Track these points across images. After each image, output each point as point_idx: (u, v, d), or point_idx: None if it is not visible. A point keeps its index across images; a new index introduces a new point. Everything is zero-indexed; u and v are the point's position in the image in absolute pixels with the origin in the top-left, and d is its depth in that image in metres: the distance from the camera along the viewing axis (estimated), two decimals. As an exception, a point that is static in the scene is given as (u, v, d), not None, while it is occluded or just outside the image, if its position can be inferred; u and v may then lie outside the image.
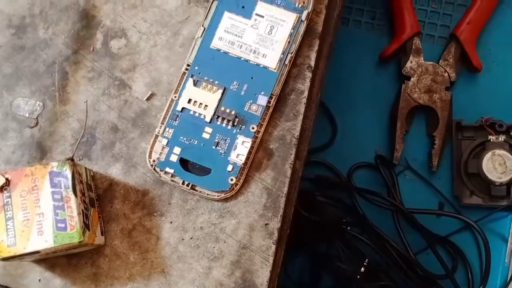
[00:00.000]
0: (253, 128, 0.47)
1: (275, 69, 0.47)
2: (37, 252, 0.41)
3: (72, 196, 0.42)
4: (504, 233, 0.70)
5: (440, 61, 0.72)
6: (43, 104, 0.49)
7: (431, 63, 0.72)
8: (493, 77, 0.74)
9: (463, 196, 0.70)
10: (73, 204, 0.41)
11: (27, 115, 0.49)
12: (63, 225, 0.41)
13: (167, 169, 0.47)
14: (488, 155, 0.68)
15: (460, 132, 0.71)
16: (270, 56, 0.47)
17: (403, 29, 0.72)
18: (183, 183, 0.47)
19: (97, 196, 0.47)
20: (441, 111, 0.71)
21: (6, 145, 0.49)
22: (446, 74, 0.71)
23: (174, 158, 0.47)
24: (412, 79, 0.71)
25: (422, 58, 0.72)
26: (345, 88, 0.74)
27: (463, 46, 0.71)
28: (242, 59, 0.48)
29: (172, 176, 0.47)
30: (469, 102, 0.73)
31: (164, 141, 0.47)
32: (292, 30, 0.48)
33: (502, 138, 0.69)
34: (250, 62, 0.48)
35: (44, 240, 0.41)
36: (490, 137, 0.70)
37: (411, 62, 0.71)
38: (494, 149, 0.68)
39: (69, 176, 0.42)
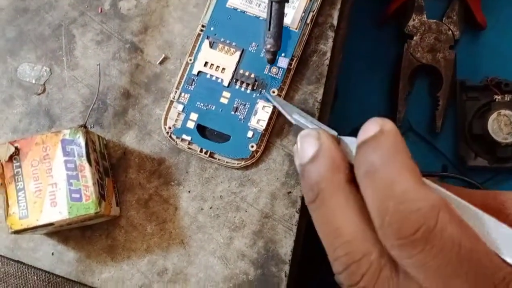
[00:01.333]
0: (273, 92, 0.45)
1: (296, 28, 0.45)
2: (51, 224, 0.39)
3: (87, 165, 0.39)
4: (511, 194, 0.68)
5: (444, 18, 0.69)
6: (50, 69, 0.47)
7: (434, 21, 0.69)
8: (498, 34, 0.71)
9: (468, 158, 0.68)
10: (87, 173, 0.39)
11: (33, 81, 0.47)
12: (77, 196, 0.39)
13: (184, 136, 0.44)
14: (493, 116, 0.66)
15: (464, 92, 0.69)
16: (291, 14, 0.45)
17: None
18: (201, 151, 0.44)
19: (110, 166, 0.45)
20: (445, 71, 0.68)
21: (13, 113, 0.46)
22: (450, 32, 0.69)
23: (191, 124, 0.45)
24: (414, 38, 0.69)
25: (425, 16, 0.69)
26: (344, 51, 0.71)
27: (467, 2, 0.68)
28: (260, 18, 0.45)
29: (189, 143, 0.45)
30: (473, 61, 0.70)
31: (180, 107, 0.45)
32: (314, -13, 0.45)
33: (508, 97, 0.67)
34: (270, 21, 0.45)
35: (58, 211, 0.39)
36: (495, 97, 0.67)
37: (414, 20, 0.69)
38: (499, 109, 0.66)
39: (83, 144, 0.40)
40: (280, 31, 0.42)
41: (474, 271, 0.25)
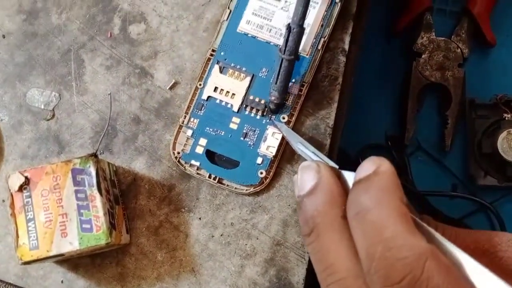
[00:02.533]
0: (284, 118, 0.44)
1: (307, 54, 0.44)
2: (61, 255, 0.38)
3: (97, 195, 0.39)
4: (522, 214, 0.68)
5: (453, 36, 0.69)
6: (59, 94, 0.46)
7: (443, 38, 0.69)
8: (507, 52, 0.70)
9: (477, 177, 0.67)
10: (98, 203, 0.39)
11: (42, 106, 0.46)
12: (88, 226, 0.38)
13: (193, 162, 0.44)
14: (503, 134, 0.65)
15: (473, 110, 0.69)
16: (302, 40, 0.44)
17: (413, 3, 0.68)
18: (209, 177, 0.44)
19: (120, 192, 0.44)
20: (454, 89, 0.68)
21: (22, 138, 0.46)
22: (459, 50, 0.68)
23: (199, 150, 0.44)
24: (423, 56, 0.68)
25: (434, 34, 0.69)
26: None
27: (476, 20, 0.68)
28: (271, 43, 0.45)
29: (197, 169, 0.44)
30: (482, 79, 0.70)
31: (189, 132, 0.44)
32: (325, 13, 0.44)
33: None
34: (280, 47, 0.45)
35: (68, 242, 0.38)
36: (505, 115, 0.67)
37: (422, 38, 0.68)
38: (509, 128, 0.65)
39: (93, 173, 0.39)
40: (286, 86, 0.42)
41: None
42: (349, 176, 0.31)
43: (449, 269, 0.25)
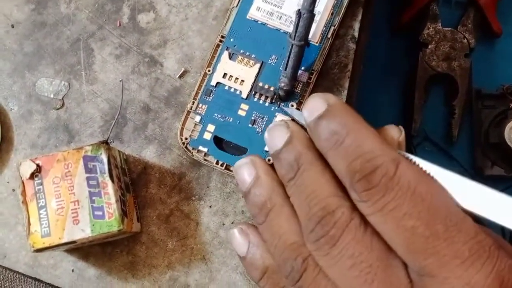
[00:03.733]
0: (292, 106, 0.44)
1: (316, 42, 0.44)
2: (73, 242, 0.38)
3: (109, 182, 0.39)
4: (529, 204, 0.67)
5: (459, 26, 0.68)
6: (69, 84, 0.46)
7: (449, 29, 0.68)
8: (514, 42, 0.70)
9: (484, 167, 0.67)
10: (110, 190, 0.39)
11: (52, 96, 0.46)
12: (100, 213, 0.38)
13: (200, 148, 0.44)
14: (510, 124, 0.65)
15: (480, 100, 0.68)
16: (312, 28, 0.44)
17: (419, -6, 0.68)
18: (217, 163, 0.44)
19: (131, 181, 0.44)
20: (461, 79, 0.67)
21: (31, 128, 0.46)
22: (465, 40, 0.68)
23: (207, 136, 0.44)
24: (429, 46, 0.68)
25: (440, 24, 0.68)
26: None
27: (482, 10, 0.68)
28: (281, 31, 0.45)
29: (205, 155, 0.44)
30: (489, 69, 0.70)
31: (197, 118, 0.44)
32: (335, 1, 0.44)
33: None
34: (290, 34, 0.44)
35: (80, 229, 0.38)
36: (511, 105, 0.67)
37: (428, 28, 0.68)
38: (516, 118, 0.66)
39: (105, 160, 0.39)
40: (295, 72, 0.42)
41: (427, 211, 0.27)
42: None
43: (419, 170, 0.29)
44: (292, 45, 0.41)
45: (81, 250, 0.44)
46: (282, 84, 0.42)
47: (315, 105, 0.31)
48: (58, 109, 0.46)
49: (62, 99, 0.46)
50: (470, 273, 0.26)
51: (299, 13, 0.39)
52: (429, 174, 0.29)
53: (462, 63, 0.68)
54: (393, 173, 0.28)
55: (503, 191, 0.64)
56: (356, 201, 0.29)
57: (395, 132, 0.32)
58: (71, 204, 0.39)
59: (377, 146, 0.29)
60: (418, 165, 0.30)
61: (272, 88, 0.44)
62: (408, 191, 0.28)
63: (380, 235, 0.29)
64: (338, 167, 0.30)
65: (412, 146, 0.68)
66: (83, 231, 0.38)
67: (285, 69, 0.42)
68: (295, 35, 0.40)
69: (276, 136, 0.33)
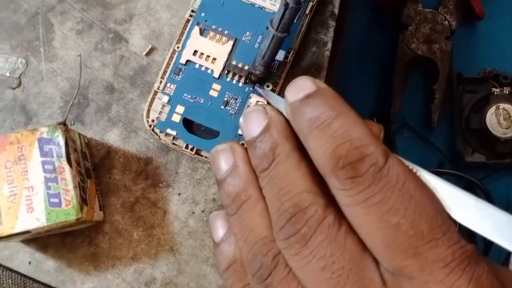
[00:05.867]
0: (268, 86, 0.41)
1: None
2: (28, 232, 0.35)
3: (67, 167, 0.36)
4: (510, 192, 0.66)
5: (440, 8, 0.66)
6: (26, 61, 0.43)
7: (430, 10, 0.66)
8: (496, 25, 0.68)
9: (465, 153, 0.65)
10: (67, 176, 0.35)
11: (7, 74, 0.43)
12: (57, 200, 0.35)
13: (169, 131, 0.41)
14: (491, 109, 0.63)
15: (461, 85, 0.67)
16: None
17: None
18: (186, 147, 0.41)
19: (93, 166, 0.41)
20: (441, 63, 0.65)
21: (-15, 109, 0.42)
22: (446, 22, 0.66)
23: (176, 118, 0.41)
24: (409, 28, 0.66)
25: (420, 5, 0.66)
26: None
27: (464, -9, 0.66)
28: (256, 5, 0.42)
29: (173, 138, 0.41)
30: (470, 53, 0.68)
31: (165, 99, 0.41)
32: (313, -26, 0.41)
33: (506, 90, 0.65)
34: (266, 9, 0.42)
35: (35, 218, 0.35)
36: (493, 89, 0.65)
37: (408, 9, 0.66)
38: (498, 103, 0.64)
39: (62, 143, 0.36)
40: (272, 61, 0.40)
41: (414, 208, 0.25)
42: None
43: (410, 169, 0.27)
44: (274, 35, 0.37)
45: (38, 240, 0.40)
46: (257, 72, 0.40)
47: (304, 84, 0.29)
48: (14, 88, 0.43)
49: (19, 77, 0.43)
50: (451, 278, 0.25)
51: (286, 4, 0.36)
52: (417, 173, 0.27)
53: (443, 46, 0.65)
54: (382, 164, 0.26)
55: (483, 179, 0.63)
56: (335, 188, 0.27)
57: (376, 129, 0.30)
58: (25, 190, 0.35)
59: (367, 134, 0.27)
60: (406, 164, 0.28)
61: (246, 67, 0.41)
62: (396, 185, 0.26)
63: (353, 233, 0.27)
64: (319, 150, 0.28)
65: (390, 132, 0.66)
66: (38, 220, 0.35)
67: (263, 58, 0.39)
68: (278, 26, 0.37)
69: (252, 122, 0.31)
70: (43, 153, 0.36)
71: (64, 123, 0.37)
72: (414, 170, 0.27)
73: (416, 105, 0.68)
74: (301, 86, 0.29)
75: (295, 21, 0.41)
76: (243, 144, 0.32)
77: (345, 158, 0.26)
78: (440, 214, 0.26)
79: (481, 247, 0.61)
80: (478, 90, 0.66)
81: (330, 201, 0.28)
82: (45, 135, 0.36)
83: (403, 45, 0.66)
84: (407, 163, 0.28)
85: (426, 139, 0.67)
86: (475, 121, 0.65)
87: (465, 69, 0.66)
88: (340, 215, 0.27)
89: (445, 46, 0.65)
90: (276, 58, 0.41)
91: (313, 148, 0.28)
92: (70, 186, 0.35)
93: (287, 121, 0.30)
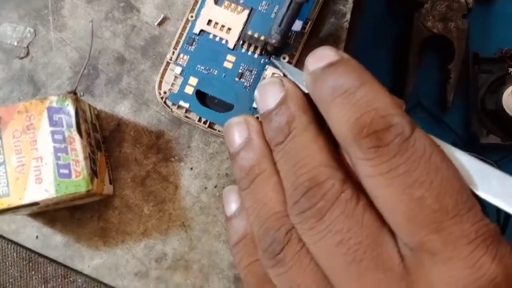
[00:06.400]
0: (284, 58, 0.40)
1: (312, -13, 0.40)
2: (36, 203, 0.34)
3: (77, 137, 0.34)
4: (526, 174, 0.64)
5: None
6: (34, 30, 0.41)
7: None
8: (514, 3, 0.67)
9: (480, 135, 0.64)
10: (78, 146, 0.34)
11: (15, 43, 0.41)
12: (66, 171, 0.34)
13: (181, 103, 0.39)
14: (508, 90, 0.62)
15: (477, 65, 0.65)
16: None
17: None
18: (199, 120, 0.39)
19: (103, 139, 0.40)
20: (458, 41, 0.64)
21: (-8, 79, 0.41)
22: (463, 0, 0.64)
23: (189, 90, 0.40)
24: (425, 6, 0.64)
25: None
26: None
27: (482, -32, 0.64)
28: (273, -26, 0.40)
29: (186, 111, 0.40)
30: (487, 32, 0.66)
31: (178, 70, 0.40)
32: None
33: None
34: (283, -22, 0.40)
35: (44, 189, 0.34)
36: (510, 70, 0.63)
37: None
38: (515, 83, 0.62)
39: (72, 112, 0.35)
40: (289, 30, 0.38)
41: (440, 183, 0.24)
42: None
43: (435, 142, 0.26)
44: (292, 1, 0.36)
45: (46, 214, 0.39)
46: (273, 41, 0.38)
47: (326, 53, 0.28)
48: (22, 58, 0.41)
49: (27, 47, 0.41)
50: (475, 255, 0.24)
51: None
52: (441, 147, 0.26)
53: (459, 24, 0.64)
54: (408, 135, 0.25)
55: (499, 161, 0.62)
56: (356, 158, 0.26)
57: (398, 102, 0.29)
58: (34, 161, 0.34)
59: (392, 104, 0.26)
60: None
61: (262, 38, 0.39)
62: (423, 157, 0.25)
63: (371, 209, 0.26)
64: (342, 119, 0.26)
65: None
66: (47, 191, 0.34)
67: (280, 26, 0.37)
68: None
69: (268, 94, 0.30)
70: (52, 123, 0.34)
71: (74, 92, 0.35)
72: (438, 144, 0.26)
73: (430, 84, 0.66)
74: (323, 55, 0.28)
75: (313, -10, 0.40)
76: (258, 118, 0.31)
77: (370, 127, 0.25)
78: (466, 190, 0.25)
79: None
80: (494, 70, 0.65)
81: (348, 176, 0.27)
82: (54, 104, 0.35)
83: (419, 23, 0.64)
84: (431, 137, 0.27)
85: (440, 119, 0.66)
86: (491, 102, 0.63)
87: (481, 49, 0.65)
88: (358, 190, 0.26)
89: (462, 24, 0.64)
90: (293, 29, 0.39)
91: (335, 117, 0.27)
92: (81, 156, 0.34)
93: (304, 94, 0.30)
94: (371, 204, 0.26)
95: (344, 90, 0.26)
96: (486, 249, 0.24)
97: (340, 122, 0.26)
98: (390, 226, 0.25)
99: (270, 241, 0.28)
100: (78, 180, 0.34)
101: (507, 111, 0.62)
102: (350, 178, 0.27)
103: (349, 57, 0.28)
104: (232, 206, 0.31)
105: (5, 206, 0.34)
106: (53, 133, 0.34)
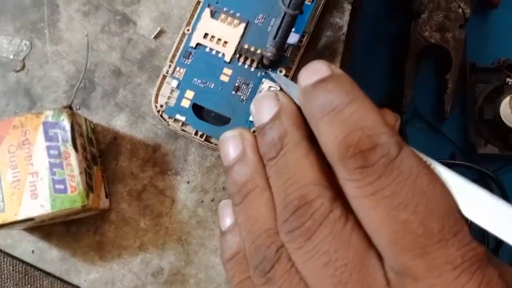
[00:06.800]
0: (281, 71, 0.40)
1: (309, 1, 0.40)
2: (31, 219, 0.34)
3: (72, 152, 0.34)
4: (523, 184, 0.65)
5: None
6: (31, 43, 0.41)
7: None
8: (511, 13, 0.67)
9: (478, 145, 0.64)
10: (73, 161, 0.34)
11: (11, 56, 0.41)
12: (62, 187, 0.34)
13: (178, 116, 0.39)
14: (506, 100, 0.62)
15: (474, 75, 0.65)
16: (303, -16, 0.39)
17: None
18: (196, 134, 0.39)
19: (99, 152, 0.39)
20: (455, 51, 0.64)
21: (-13, 92, 0.41)
22: (460, 10, 0.64)
23: (186, 103, 0.39)
24: (422, 16, 0.64)
25: None
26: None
27: (479, -22, 0.64)
28: (269, -13, 0.40)
29: (183, 125, 0.39)
30: (484, 42, 0.67)
31: (174, 83, 0.40)
32: (329, -46, 0.40)
33: None
34: (279, -9, 0.40)
35: (39, 204, 0.34)
36: (508, 79, 0.64)
37: None
38: (512, 93, 0.62)
39: (68, 127, 0.34)
40: (284, 42, 0.38)
41: (425, 205, 0.24)
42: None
43: (422, 160, 0.25)
44: (285, 13, 0.36)
45: (42, 229, 0.39)
46: (269, 54, 0.38)
47: (318, 68, 0.28)
48: (18, 71, 0.41)
49: (23, 60, 0.41)
50: (460, 281, 0.23)
51: None
52: (431, 167, 0.25)
53: (456, 34, 0.64)
54: (395, 155, 0.24)
55: (496, 171, 0.62)
56: (343, 179, 0.25)
57: (391, 118, 0.29)
58: (29, 176, 0.34)
59: (381, 123, 0.25)
60: (420, 157, 0.26)
61: (258, 51, 0.39)
62: (408, 179, 0.24)
63: (360, 229, 0.26)
64: (329, 137, 0.26)
65: (401, 122, 0.64)
66: (42, 207, 0.33)
67: (274, 38, 0.37)
68: (290, 3, 0.35)
69: (263, 108, 0.30)
70: (48, 138, 0.34)
71: (70, 107, 0.35)
72: (428, 163, 0.26)
73: (428, 94, 0.66)
74: (315, 70, 0.28)
75: (309, 2, 0.40)
76: (254, 132, 0.31)
77: (356, 147, 0.25)
78: (453, 213, 0.24)
79: (491, 245, 0.60)
80: (492, 80, 0.65)
81: (338, 194, 0.26)
82: (50, 119, 0.34)
83: (416, 33, 0.64)
84: (421, 155, 0.26)
85: (438, 129, 0.66)
86: (489, 112, 0.64)
87: (478, 59, 0.65)
88: (347, 210, 0.26)
89: (459, 34, 0.64)
90: (290, 42, 0.39)
91: (323, 135, 0.27)
92: (76, 172, 0.34)
93: (299, 109, 0.29)
94: (360, 225, 0.25)
95: (333, 108, 0.26)
96: (472, 275, 0.23)
97: (328, 140, 0.26)
98: (376, 248, 0.25)
99: (261, 259, 0.27)
100: (74, 195, 0.34)
101: (505, 121, 0.62)
102: (340, 197, 0.26)
103: (341, 73, 0.28)
104: (227, 220, 0.31)
105: (0, 222, 0.33)
106: (48, 148, 0.34)
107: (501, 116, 0.62)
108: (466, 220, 0.25)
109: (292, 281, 0.26)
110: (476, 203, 0.26)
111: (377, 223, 0.24)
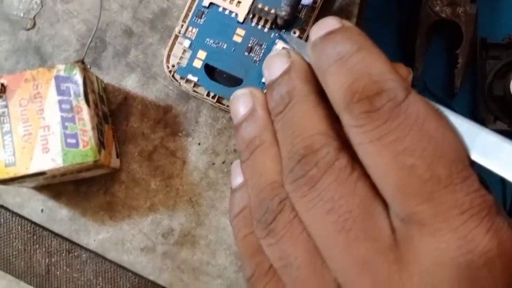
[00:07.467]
0: (294, 33, 0.39)
1: (324, -39, 0.39)
2: (43, 173, 0.33)
3: (85, 106, 0.34)
4: (533, 161, 0.64)
5: None
6: (41, 1, 0.41)
7: None
8: (523, -10, 0.66)
9: (487, 121, 0.64)
10: (85, 116, 0.34)
11: (22, 14, 0.41)
12: (74, 141, 0.33)
13: (190, 77, 0.39)
14: None
15: (485, 50, 0.64)
16: None
17: None
18: (207, 95, 0.39)
19: (110, 112, 0.39)
20: (465, 27, 0.63)
21: (-3, 50, 0.40)
22: None
23: (198, 63, 0.39)
24: None
25: None
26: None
27: (492, -50, 0.63)
28: None
29: (194, 85, 0.39)
30: (496, 17, 0.66)
31: (186, 43, 0.39)
32: None
33: None
34: (295, -50, 0.39)
35: (50, 158, 0.33)
36: None
37: None
38: (523, 70, 0.62)
39: (80, 81, 0.34)
40: (298, 2, 0.37)
41: (433, 150, 0.23)
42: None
43: (431, 105, 0.25)
44: None
45: (51, 188, 0.39)
46: (283, 13, 0.37)
47: (328, 23, 0.27)
48: (28, 29, 0.41)
49: (34, 18, 0.41)
50: (467, 226, 0.22)
51: None
52: (441, 113, 0.25)
53: (467, 9, 0.63)
54: (401, 100, 0.24)
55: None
56: (348, 126, 0.25)
57: (404, 71, 0.28)
58: (41, 130, 0.33)
59: (388, 70, 0.25)
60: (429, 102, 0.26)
61: (272, 11, 0.39)
62: (415, 123, 0.24)
63: (366, 179, 0.25)
64: (335, 86, 0.26)
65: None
66: (54, 161, 0.33)
67: None
68: None
69: (273, 65, 0.29)
70: (60, 92, 0.34)
71: (82, 61, 0.35)
72: (436, 108, 0.25)
73: (438, 70, 0.66)
74: (326, 25, 0.27)
75: (326, -37, 0.39)
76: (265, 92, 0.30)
77: (362, 93, 0.24)
78: (462, 159, 0.24)
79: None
80: (502, 56, 0.64)
81: (346, 146, 0.26)
82: (62, 73, 0.34)
83: (427, 8, 0.63)
84: (432, 103, 0.25)
85: (447, 105, 0.65)
86: (498, 88, 0.63)
87: (489, 34, 0.64)
88: (354, 160, 0.25)
89: (470, 9, 0.63)
90: (304, 3, 0.39)
91: (330, 84, 0.26)
92: (88, 126, 0.34)
93: (309, 67, 0.29)
94: (366, 175, 0.25)
95: (340, 57, 0.26)
96: (480, 220, 0.22)
97: (334, 89, 0.26)
98: (383, 196, 0.24)
99: (264, 211, 0.27)
100: (86, 150, 0.33)
101: (515, 97, 0.61)
102: (348, 148, 0.26)
103: (351, 25, 0.27)
104: (238, 179, 0.31)
105: (11, 175, 0.33)
106: (60, 102, 0.34)
107: (511, 92, 0.62)
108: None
109: (294, 231, 0.26)
110: (487, 148, 0.25)
111: (383, 169, 0.24)
